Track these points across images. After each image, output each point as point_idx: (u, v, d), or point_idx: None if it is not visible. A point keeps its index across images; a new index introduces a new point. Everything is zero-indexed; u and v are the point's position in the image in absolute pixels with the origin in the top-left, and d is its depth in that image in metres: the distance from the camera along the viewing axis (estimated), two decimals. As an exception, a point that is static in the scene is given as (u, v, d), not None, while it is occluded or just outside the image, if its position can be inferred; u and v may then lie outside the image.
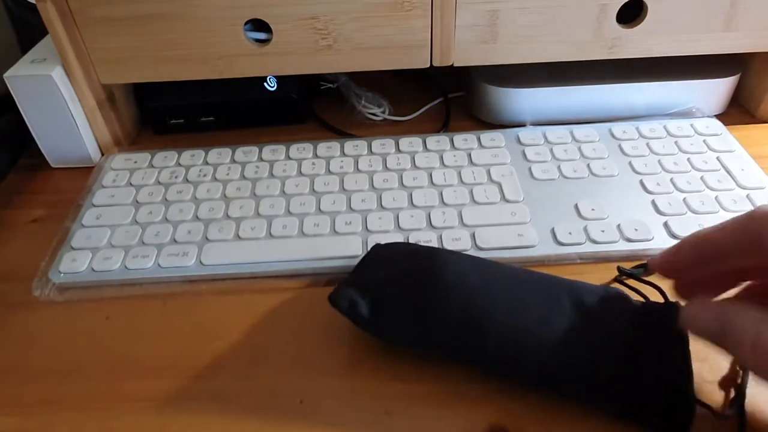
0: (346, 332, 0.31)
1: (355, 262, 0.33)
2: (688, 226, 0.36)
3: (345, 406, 0.28)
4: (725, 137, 0.43)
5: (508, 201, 0.38)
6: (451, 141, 0.44)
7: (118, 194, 0.41)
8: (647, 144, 0.43)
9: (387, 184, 0.40)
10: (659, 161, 0.41)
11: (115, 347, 0.32)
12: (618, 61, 0.43)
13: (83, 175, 0.43)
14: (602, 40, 0.42)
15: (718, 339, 0.23)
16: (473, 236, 0.36)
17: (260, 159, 0.43)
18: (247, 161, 0.43)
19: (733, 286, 0.27)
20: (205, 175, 0.42)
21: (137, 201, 0.40)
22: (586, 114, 0.46)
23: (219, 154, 0.44)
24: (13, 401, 0.29)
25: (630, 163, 0.41)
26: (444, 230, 0.36)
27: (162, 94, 0.47)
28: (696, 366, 0.26)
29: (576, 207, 0.38)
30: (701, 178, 0.39)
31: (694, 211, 0.37)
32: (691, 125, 0.44)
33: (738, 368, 0.27)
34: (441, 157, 0.42)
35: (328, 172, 0.42)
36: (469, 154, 0.42)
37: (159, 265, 0.35)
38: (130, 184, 0.42)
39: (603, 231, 0.36)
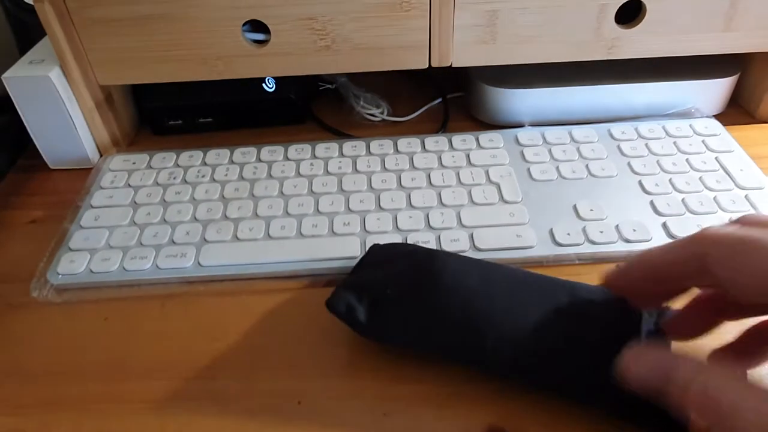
0: (344, 333, 0.31)
1: (354, 262, 0.33)
2: (687, 227, 0.36)
3: (343, 407, 0.28)
4: (724, 137, 0.43)
5: (506, 202, 0.38)
6: (450, 142, 0.44)
7: (116, 195, 0.41)
8: (646, 144, 0.43)
9: (385, 184, 0.40)
10: (658, 162, 0.41)
11: (113, 348, 0.32)
12: (617, 61, 0.43)
13: (81, 176, 0.43)
14: (601, 41, 0.42)
15: (660, 391, 0.22)
16: (471, 237, 0.36)
17: (258, 160, 0.43)
18: (245, 162, 0.43)
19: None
20: (203, 176, 0.42)
21: (135, 202, 0.40)
22: (585, 114, 0.46)
23: (217, 155, 0.44)
24: (12, 402, 0.29)
25: (629, 164, 0.41)
26: (442, 231, 0.36)
27: (160, 94, 0.47)
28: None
29: (574, 208, 0.38)
30: (700, 178, 0.39)
31: (692, 212, 0.37)
32: (690, 125, 0.44)
33: None
34: (439, 158, 0.42)
35: (327, 172, 0.42)
36: (468, 155, 0.42)
37: (157, 266, 0.35)
38: (129, 185, 0.42)
39: (601, 232, 0.36)
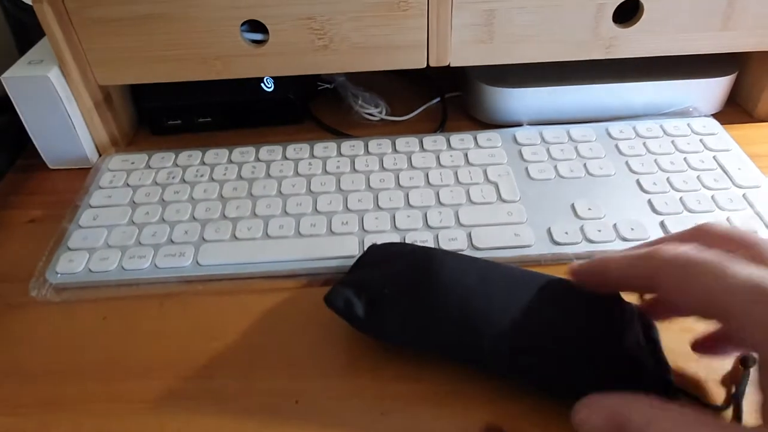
0: (342, 332, 0.31)
1: (352, 262, 0.33)
2: (685, 225, 0.35)
3: (341, 406, 0.28)
4: (722, 136, 0.43)
5: (504, 201, 0.38)
6: (448, 141, 0.44)
7: (115, 195, 0.41)
8: (644, 143, 0.43)
9: (383, 184, 0.40)
10: (656, 160, 0.41)
11: (112, 347, 0.32)
12: (615, 60, 0.43)
13: (81, 175, 0.43)
14: (599, 40, 0.42)
15: None
16: (469, 236, 0.36)
17: (257, 159, 0.43)
18: (243, 161, 0.43)
19: None
20: (202, 176, 0.42)
21: (134, 201, 0.40)
22: (583, 114, 0.46)
23: (216, 155, 0.44)
24: (11, 402, 0.29)
25: (627, 163, 0.41)
26: (440, 230, 0.36)
27: (159, 94, 0.47)
28: (691, 365, 0.27)
29: (572, 207, 0.38)
30: (698, 177, 0.39)
31: (690, 211, 0.37)
32: (688, 124, 0.44)
33: (740, 366, 0.27)
34: (438, 157, 0.42)
35: (325, 172, 0.42)
36: (466, 154, 0.42)
37: (156, 265, 0.35)
38: (127, 184, 0.42)
39: (599, 231, 0.36)
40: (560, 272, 0.31)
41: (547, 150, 0.43)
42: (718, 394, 0.27)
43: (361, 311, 0.29)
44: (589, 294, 0.29)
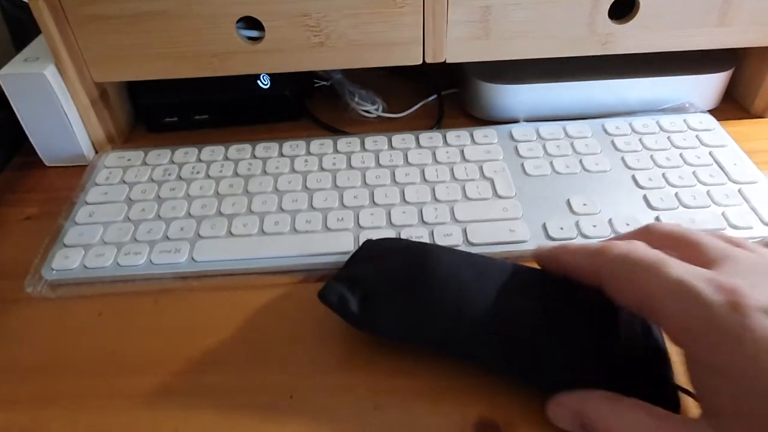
0: (338, 328, 0.31)
1: (347, 258, 0.33)
2: (680, 221, 0.36)
3: (337, 401, 0.28)
4: (718, 132, 0.43)
5: (500, 197, 0.38)
6: (444, 137, 0.44)
7: (111, 192, 0.41)
8: (640, 139, 0.43)
9: (379, 180, 0.40)
10: (651, 156, 0.41)
11: (107, 344, 0.32)
12: (611, 56, 0.43)
13: (77, 173, 0.43)
14: (595, 36, 0.42)
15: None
16: (465, 232, 0.36)
17: (253, 156, 0.43)
18: (240, 158, 0.43)
19: None
20: (198, 173, 0.42)
21: (130, 198, 0.40)
22: (580, 110, 0.46)
23: (212, 152, 0.44)
24: (5, 397, 0.30)
25: (622, 159, 0.41)
26: (436, 226, 0.36)
27: (155, 91, 0.47)
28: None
29: (568, 202, 0.38)
30: (693, 172, 0.39)
31: (685, 206, 0.37)
32: (684, 120, 0.44)
33: None
34: (434, 154, 0.42)
35: (321, 169, 0.42)
36: (462, 151, 0.42)
37: (151, 261, 0.35)
38: (124, 181, 0.42)
39: (594, 226, 0.36)
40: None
41: (543, 146, 0.43)
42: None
43: (355, 306, 0.29)
44: (587, 289, 0.29)
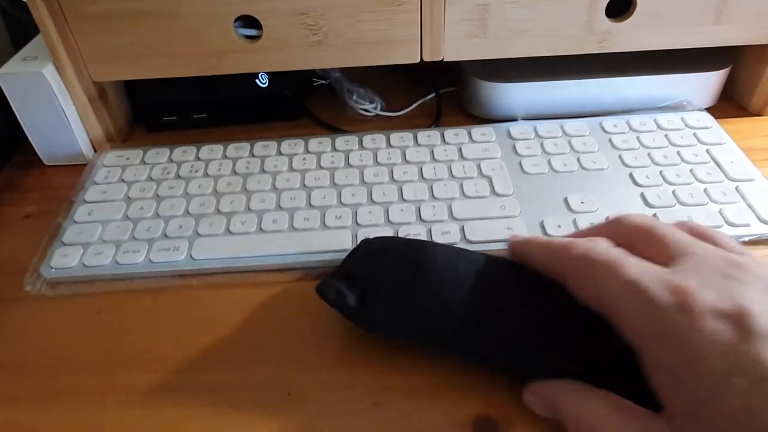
0: (335, 325, 0.31)
1: (345, 255, 0.33)
2: (677, 219, 0.36)
3: (334, 397, 0.28)
4: (715, 130, 0.43)
5: (498, 195, 0.38)
6: (442, 136, 0.44)
7: (109, 190, 0.41)
8: (637, 137, 0.43)
9: (377, 178, 0.40)
10: (649, 154, 0.41)
11: (105, 342, 0.32)
12: (609, 54, 0.43)
13: (76, 172, 0.43)
14: (592, 34, 0.42)
15: (557, 418, 0.26)
16: (462, 229, 0.36)
17: (252, 155, 0.43)
18: (238, 157, 0.43)
19: None
20: (196, 171, 0.42)
21: (129, 197, 0.40)
22: (577, 108, 0.46)
23: (211, 150, 0.44)
24: (4, 395, 0.30)
25: (620, 157, 0.41)
26: (433, 224, 0.36)
27: (154, 90, 0.47)
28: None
29: (565, 200, 0.38)
30: (690, 170, 0.40)
31: (683, 204, 0.37)
32: (682, 118, 0.44)
33: None
34: (432, 152, 0.42)
35: (319, 167, 0.42)
36: (460, 149, 0.42)
37: (150, 260, 0.35)
38: (122, 180, 0.42)
39: (592, 224, 0.35)
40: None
41: (541, 144, 0.43)
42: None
43: (353, 302, 0.29)
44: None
